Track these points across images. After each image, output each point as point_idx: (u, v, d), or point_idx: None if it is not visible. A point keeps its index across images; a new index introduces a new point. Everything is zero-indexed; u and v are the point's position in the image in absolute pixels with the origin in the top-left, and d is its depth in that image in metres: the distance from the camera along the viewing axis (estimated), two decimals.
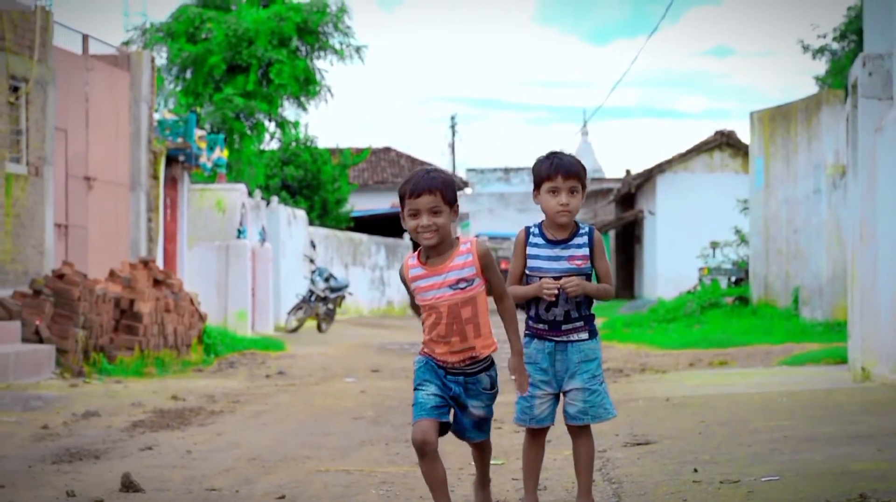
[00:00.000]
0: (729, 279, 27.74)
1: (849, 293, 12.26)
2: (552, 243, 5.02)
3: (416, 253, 4.87)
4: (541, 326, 5.01)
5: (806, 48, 35.10)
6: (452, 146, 64.20)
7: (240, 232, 23.23)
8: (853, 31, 33.24)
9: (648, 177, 39.32)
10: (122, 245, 19.63)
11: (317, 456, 7.35)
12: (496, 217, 66.63)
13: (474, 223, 61.04)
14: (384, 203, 43.72)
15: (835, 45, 34.99)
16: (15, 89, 15.85)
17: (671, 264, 36.49)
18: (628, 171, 60.98)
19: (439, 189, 4.73)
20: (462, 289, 4.73)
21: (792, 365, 14.30)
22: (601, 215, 49.74)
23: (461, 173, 64.44)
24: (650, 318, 24.78)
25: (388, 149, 51.38)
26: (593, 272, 5.09)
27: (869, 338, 11.14)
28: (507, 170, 71.23)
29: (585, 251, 5.02)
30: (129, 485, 6.01)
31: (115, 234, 19.43)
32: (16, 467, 6.84)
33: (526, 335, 5.07)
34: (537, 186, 5.03)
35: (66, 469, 6.79)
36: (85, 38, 18.90)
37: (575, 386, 4.96)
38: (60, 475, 6.57)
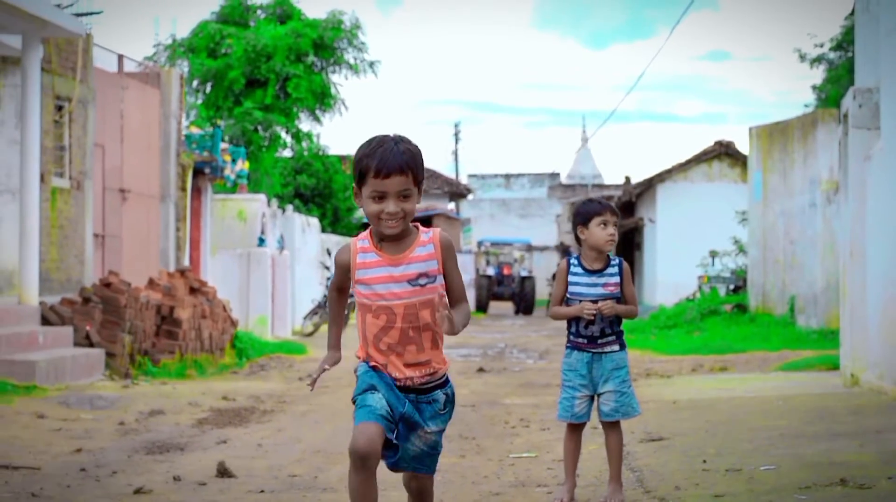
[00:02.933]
0: (727, 287, 28.83)
1: (840, 306, 13.33)
2: (590, 272, 6.10)
3: (367, 233, 4.13)
4: (580, 340, 6.08)
5: (803, 57, 35.84)
6: (456, 153, 65.22)
7: (261, 240, 24.29)
8: (850, 41, 34.13)
9: (649, 185, 40.28)
10: (153, 253, 20.68)
11: None
12: (497, 222, 67.62)
13: (476, 228, 62.03)
14: None
15: (832, 55, 35.76)
16: (59, 108, 16.90)
17: (671, 271, 37.44)
18: (627, 178, 62.03)
19: (411, 168, 4.02)
20: (422, 285, 4.03)
21: (788, 371, 15.33)
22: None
23: (463, 179, 65.41)
24: (652, 325, 25.86)
25: None
26: (622, 295, 6.17)
27: (858, 347, 12.21)
28: (507, 176, 72.25)
29: (617, 279, 6.10)
30: (224, 472, 7.07)
31: (146, 243, 20.49)
32: (117, 457, 7.91)
33: (567, 347, 6.14)
34: (586, 222, 6.08)
35: (160, 459, 7.87)
36: (120, 57, 19.94)
37: (608, 388, 6.03)
38: (158, 463, 7.64)
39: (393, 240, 4.04)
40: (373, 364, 4.09)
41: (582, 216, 6.17)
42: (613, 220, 6.12)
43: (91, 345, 14.46)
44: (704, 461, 7.05)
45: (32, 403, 10.89)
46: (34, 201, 14.51)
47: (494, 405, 11.78)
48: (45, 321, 14.32)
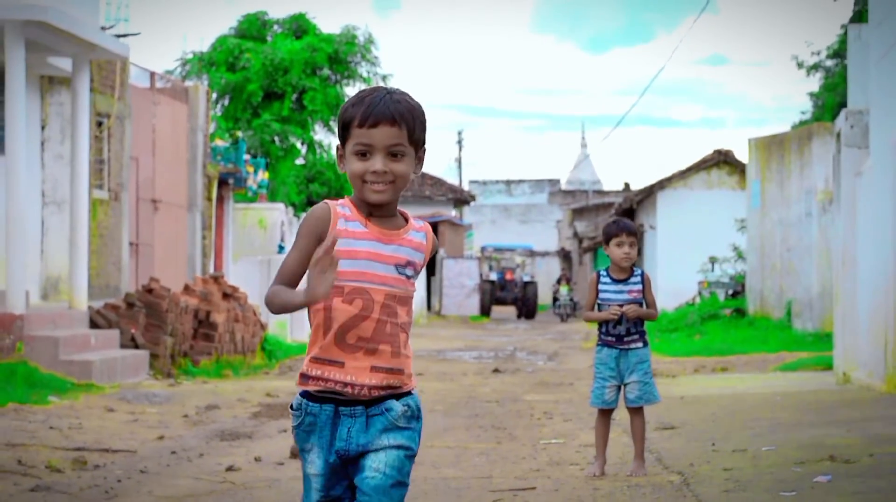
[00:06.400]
0: (727, 292, 29.95)
1: (834, 311, 14.43)
2: (617, 281, 7.21)
3: (348, 200, 3.33)
4: (610, 338, 7.19)
5: (800, 65, 36.71)
6: (459, 160, 66.32)
7: (280, 247, 25.38)
8: (846, 50, 34.93)
9: (649, 192, 41.27)
10: (181, 260, 21.76)
11: None
12: (499, 228, 68.75)
13: (477, 234, 63.10)
14: None
15: (828, 62, 36.64)
16: (99, 124, 17.98)
17: (671, 277, 38.39)
18: (627, 184, 63.17)
19: (406, 121, 3.27)
20: (407, 277, 3.29)
21: (785, 371, 16.39)
22: (602, 228, 51.82)
23: (465, 185, 66.46)
24: (654, 328, 26.94)
25: None
26: (644, 301, 7.27)
27: (850, 348, 13.31)
28: (508, 183, 73.42)
29: (640, 286, 7.22)
30: (297, 453, 8.13)
31: (175, 251, 21.57)
32: (197, 443, 8.99)
33: (598, 344, 7.24)
34: (607, 241, 7.20)
35: (235, 444, 8.94)
36: (152, 74, 21.03)
37: (633, 379, 7.14)
38: (234, 448, 8.71)
39: (382, 216, 3.29)
40: (311, 381, 3.24)
41: (604, 236, 7.32)
42: (629, 241, 7.23)
43: (136, 346, 15.52)
44: (713, 444, 8.14)
45: (96, 399, 11.95)
46: (83, 212, 15.56)
47: (516, 401, 12.85)
48: (93, 324, 15.38)
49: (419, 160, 3.33)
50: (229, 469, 7.57)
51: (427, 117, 3.35)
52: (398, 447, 3.21)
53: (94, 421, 10.00)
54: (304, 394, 3.29)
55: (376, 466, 3.19)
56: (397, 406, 3.24)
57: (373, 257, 3.23)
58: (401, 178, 3.26)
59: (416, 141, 3.29)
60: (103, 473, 7.37)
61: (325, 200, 3.30)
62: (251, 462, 7.95)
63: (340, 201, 3.29)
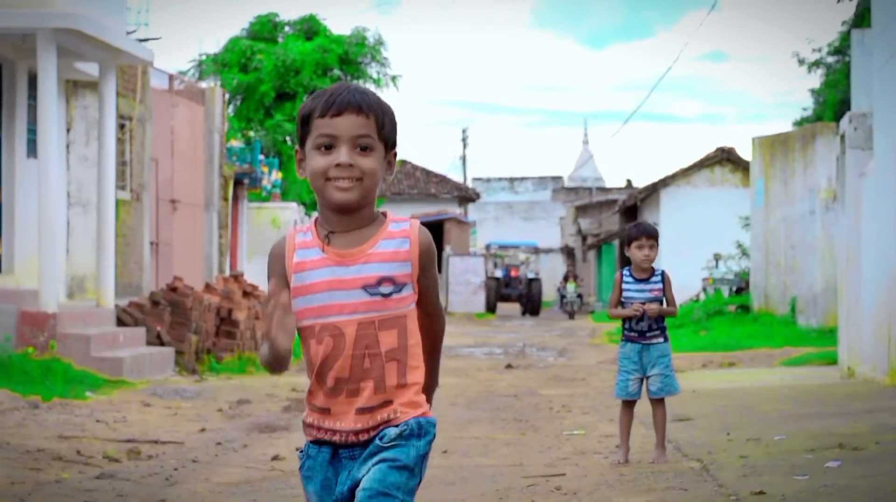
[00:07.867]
0: (731, 288, 30.44)
1: (838, 307, 14.92)
2: (639, 280, 7.71)
3: (312, 223, 2.98)
4: (633, 334, 7.68)
5: (801, 61, 37.03)
6: (464, 158, 66.77)
7: None
8: (848, 46, 35.24)
9: (653, 190, 41.75)
10: (198, 259, 22.26)
11: (444, 429, 9.94)
12: (502, 225, 69.18)
13: (481, 231, 63.54)
14: (403, 213, 46.35)
15: (830, 59, 36.95)
16: (121, 126, 18.46)
17: (675, 274, 38.42)
18: (629, 181, 63.60)
19: (374, 111, 2.91)
20: (385, 295, 2.90)
21: (790, 365, 16.88)
22: (606, 225, 52.30)
23: (469, 183, 66.89)
24: None
25: (403, 163, 54.05)
26: (664, 298, 7.77)
27: (854, 343, 13.80)
28: (512, 180, 73.88)
29: (660, 285, 7.71)
30: None
31: (193, 250, 22.07)
32: (238, 435, 9.48)
33: (622, 340, 7.74)
34: (628, 244, 7.70)
35: (275, 435, 9.44)
36: (171, 77, 21.51)
37: (655, 372, 7.63)
38: (275, 439, 9.20)
39: (346, 230, 2.91)
40: (312, 430, 3.00)
41: (627, 238, 7.82)
42: (649, 243, 7.72)
43: (161, 343, 16.01)
44: (728, 434, 8.63)
45: (130, 394, 12.44)
46: (110, 213, 16.03)
47: (534, 395, 13.34)
48: (121, 322, 15.86)
49: (389, 164, 2.96)
50: (275, 458, 8.06)
51: (397, 118, 2.97)
52: (382, 460, 2.86)
53: (136, 415, 10.49)
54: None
55: (361, 486, 2.86)
56: (392, 431, 2.88)
57: (334, 286, 2.87)
58: (368, 176, 2.88)
59: (386, 138, 2.92)
60: (159, 462, 7.86)
61: (290, 229, 3.02)
62: (293, 452, 8.43)
63: (303, 227, 2.97)
